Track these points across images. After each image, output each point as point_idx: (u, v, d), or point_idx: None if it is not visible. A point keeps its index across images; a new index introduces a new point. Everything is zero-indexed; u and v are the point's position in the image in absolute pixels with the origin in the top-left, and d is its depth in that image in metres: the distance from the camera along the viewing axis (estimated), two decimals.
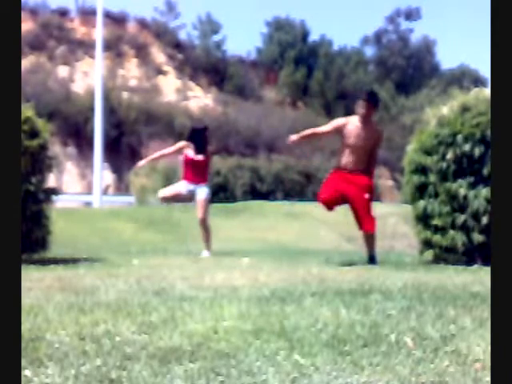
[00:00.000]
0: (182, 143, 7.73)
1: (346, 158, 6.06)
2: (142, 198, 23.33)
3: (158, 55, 49.66)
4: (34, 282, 4.19)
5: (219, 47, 54.03)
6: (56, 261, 5.95)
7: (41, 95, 32.02)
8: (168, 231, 13.85)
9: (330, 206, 6.20)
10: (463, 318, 2.86)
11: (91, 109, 26.35)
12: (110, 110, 32.16)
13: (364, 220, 6.10)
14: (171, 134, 33.89)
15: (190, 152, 7.56)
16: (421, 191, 6.15)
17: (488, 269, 4.80)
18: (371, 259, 6.20)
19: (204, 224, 7.58)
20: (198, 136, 7.63)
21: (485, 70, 59.14)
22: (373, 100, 5.99)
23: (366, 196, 6.10)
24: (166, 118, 38.17)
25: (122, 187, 34.32)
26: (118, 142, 36.81)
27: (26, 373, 1.99)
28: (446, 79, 53.46)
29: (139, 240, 12.35)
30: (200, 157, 7.54)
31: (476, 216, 5.73)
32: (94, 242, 11.26)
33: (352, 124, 6.00)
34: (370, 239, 6.27)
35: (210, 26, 53.83)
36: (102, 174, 26.03)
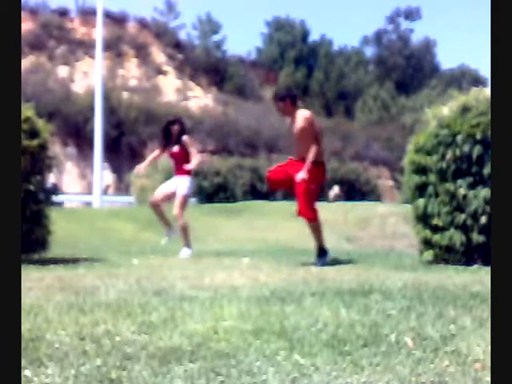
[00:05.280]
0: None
1: (294, 149, 6.27)
2: (142, 198, 23.34)
3: (158, 55, 49.68)
4: (34, 281, 4.19)
5: (219, 47, 54.07)
6: (56, 261, 5.95)
7: (41, 95, 32.04)
8: None
9: (274, 185, 6.48)
10: (463, 317, 2.86)
11: (91, 109, 26.35)
12: (110, 110, 32.16)
13: (301, 206, 6.06)
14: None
15: (175, 147, 7.64)
16: (421, 191, 6.16)
17: (488, 269, 4.80)
18: (319, 253, 6.12)
19: (179, 221, 7.59)
20: (166, 129, 7.71)
21: (485, 70, 59.18)
22: (278, 97, 6.26)
23: (305, 184, 5.99)
24: (165, 118, 38.16)
25: (121, 187, 34.32)
26: (118, 142, 36.83)
27: (26, 373, 1.99)
28: (446, 79, 53.51)
29: (139, 240, 12.35)
30: (175, 149, 7.61)
31: (475, 216, 5.73)
32: (94, 242, 11.26)
33: (287, 123, 6.37)
34: (311, 229, 6.16)
35: (210, 26, 53.86)
36: (102, 174, 26.03)
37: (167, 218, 7.68)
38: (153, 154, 7.97)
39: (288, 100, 6.18)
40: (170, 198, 7.64)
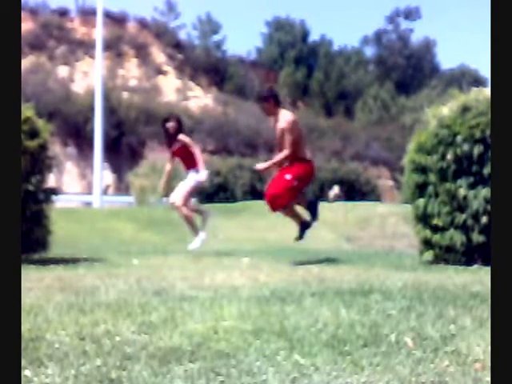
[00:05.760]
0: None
1: (277, 150, 6.35)
2: (142, 198, 23.33)
3: (158, 55, 49.67)
4: (34, 282, 4.19)
5: (219, 47, 54.09)
6: (56, 261, 5.95)
7: (41, 95, 32.03)
8: (168, 231, 13.85)
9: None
10: (463, 317, 2.86)
11: (91, 109, 26.33)
12: (110, 110, 32.14)
13: (274, 192, 6.16)
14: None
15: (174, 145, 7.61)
16: (421, 191, 6.15)
17: (488, 269, 4.80)
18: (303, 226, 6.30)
19: (180, 211, 7.56)
20: (164, 128, 7.67)
21: (485, 70, 59.17)
22: (261, 98, 6.33)
23: (287, 177, 6.10)
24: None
25: (121, 187, 34.31)
26: (118, 142, 36.81)
27: (26, 373, 1.99)
28: (446, 79, 53.48)
29: (139, 240, 12.36)
30: (175, 147, 7.57)
31: (475, 216, 5.73)
32: (94, 242, 11.26)
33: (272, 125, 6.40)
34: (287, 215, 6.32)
35: (210, 26, 53.87)
36: (102, 174, 26.01)
37: (194, 223, 7.69)
38: (167, 166, 7.85)
39: (271, 100, 6.23)
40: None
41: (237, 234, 13.60)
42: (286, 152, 6.07)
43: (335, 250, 9.30)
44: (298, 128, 6.19)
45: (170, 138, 7.59)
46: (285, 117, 6.15)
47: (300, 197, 6.38)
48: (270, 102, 6.21)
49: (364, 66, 58.60)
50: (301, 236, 6.33)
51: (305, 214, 6.40)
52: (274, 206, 6.16)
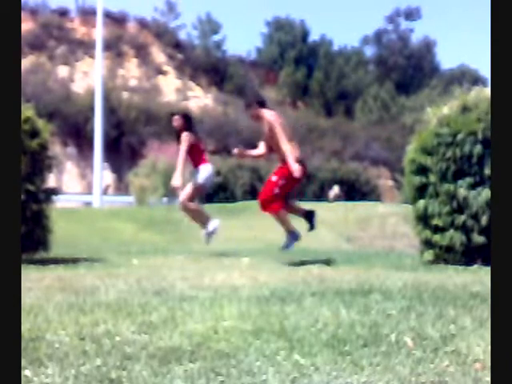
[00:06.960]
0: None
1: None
2: (142, 198, 23.33)
3: (158, 55, 49.69)
4: (34, 282, 4.19)
5: (219, 47, 54.12)
6: (56, 261, 5.95)
7: (41, 95, 32.05)
8: (168, 231, 13.85)
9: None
10: (463, 317, 2.86)
11: (91, 109, 26.35)
12: (110, 110, 32.15)
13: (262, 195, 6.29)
14: (171, 133, 33.82)
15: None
16: (421, 191, 6.15)
17: (488, 269, 4.80)
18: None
19: (185, 208, 7.46)
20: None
21: (485, 70, 59.21)
22: (246, 105, 6.51)
23: (273, 179, 6.17)
24: (165, 118, 38.15)
25: (121, 187, 34.32)
26: (118, 142, 36.84)
27: (26, 373, 1.99)
28: (446, 79, 53.49)
29: (139, 240, 12.36)
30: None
31: (476, 216, 5.73)
32: (94, 242, 11.26)
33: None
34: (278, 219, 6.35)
35: (210, 26, 53.90)
36: (102, 174, 26.02)
37: (205, 215, 7.62)
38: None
39: (256, 106, 6.33)
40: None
41: (237, 234, 13.59)
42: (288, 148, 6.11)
43: (335, 250, 9.30)
44: (281, 124, 6.21)
45: (177, 135, 7.49)
46: (265, 116, 6.22)
47: (294, 206, 6.41)
48: (254, 108, 6.32)
49: (364, 66, 58.61)
50: (287, 246, 6.39)
51: (295, 223, 6.44)
52: (265, 209, 6.27)
